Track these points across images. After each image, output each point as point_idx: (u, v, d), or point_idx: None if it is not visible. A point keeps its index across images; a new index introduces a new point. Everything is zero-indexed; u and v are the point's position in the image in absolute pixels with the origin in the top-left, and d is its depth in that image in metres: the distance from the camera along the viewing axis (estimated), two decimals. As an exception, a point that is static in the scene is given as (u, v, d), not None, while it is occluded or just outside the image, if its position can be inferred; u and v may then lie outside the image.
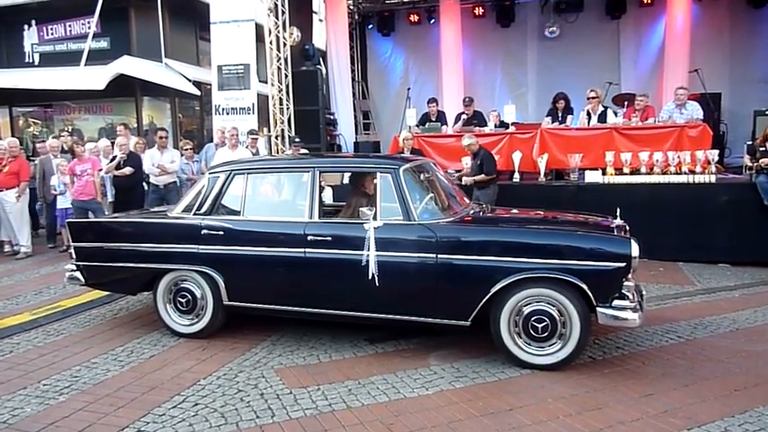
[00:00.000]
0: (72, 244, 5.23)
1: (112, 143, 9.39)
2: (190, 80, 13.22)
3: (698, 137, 7.85)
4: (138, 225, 5.28)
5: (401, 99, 12.55)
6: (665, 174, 7.60)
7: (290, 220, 4.63)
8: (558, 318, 3.97)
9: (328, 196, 6.67)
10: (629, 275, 3.93)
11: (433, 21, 13.08)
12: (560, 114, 9.13)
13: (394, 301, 4.28)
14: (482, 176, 7.43)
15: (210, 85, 10.74)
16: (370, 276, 4.14)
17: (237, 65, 10.06)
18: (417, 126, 9.78)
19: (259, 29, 10.24)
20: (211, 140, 9.66)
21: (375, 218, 4.21)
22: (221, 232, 4.65)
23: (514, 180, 8.38)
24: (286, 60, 10.19)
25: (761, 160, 6.99)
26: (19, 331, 5.14)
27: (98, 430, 3.35)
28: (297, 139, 9.30)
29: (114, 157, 8.70)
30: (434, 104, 10.09)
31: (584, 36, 12.40)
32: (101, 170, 8.51)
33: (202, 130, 15.09)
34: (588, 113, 8.89)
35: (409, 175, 4.46)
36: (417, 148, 8.56)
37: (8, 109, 15.26)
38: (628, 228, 4.55)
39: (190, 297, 4.78)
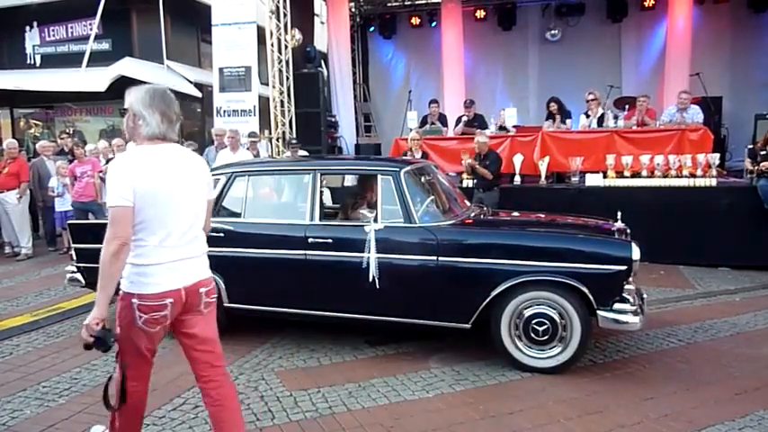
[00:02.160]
0: (73, 245, 5.22)
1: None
2: (191, 82, 13.23)
3: (699, 140, 7.85)
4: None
5: (402, 102, 12.56)
6: (665, 177, 7.60)
7: (290, 222, 4.63)
8: (558, 321, 3.97)
9: (326, 198, 6.67)
10: (630, 279, 3.93)
11: (434, 24, 13.10)
12: (557, 118, 9.14)
13: (394, 303, 4.28)
14: (485, 171, 7.43)
15: (212, 87, 10.75)
16: (370, 279, 4.14)
17: (239, 67, 10.06)
18: (419, 128, 9.77)
19: (260, 31, 10.25)
20: (212, 143, 9.67)
21: (376, 220, 4.21)
22: (222, 234, 4.64)
23: (515, 183, 8.37)
24: (287, 63, 10.20)
25: (762, 164, 6.99)
26: (19, 333, 5.13)
27: (98, 432, 3.35)
28: (294, 141, 9.30)
29: (110, 159, 8.72)
30: (436, 105, 10.08)
31: (585, 39, 12.42)
32: (101, 172, 8.52)
33: (204, 132, 15.09)
34: (587, 115, 8.91)
35: (410, 177, 4.46)
36: (423, 151, 8.51)
37: (9, 110, 15.27)
38: (628, 231, 4.54)
39: (190, 299, 4.77)
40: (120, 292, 2.47)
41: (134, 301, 2.44)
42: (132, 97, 2.53)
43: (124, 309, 2.47)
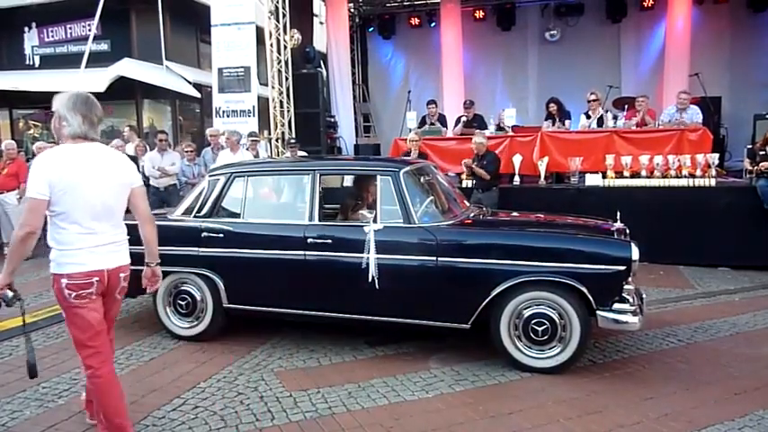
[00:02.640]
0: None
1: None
2: (190, 82, 13.22)
3: (698, 140, 7.85)
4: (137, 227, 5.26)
5: (402, 102, 12.55)
6: (665, 177, 7.60)
7: (290, 222, 4.63)
8: (558, 321, 3.97)
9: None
10: (630, 279, 3.93)
11: (433, 24, 13.10)
12: (556, 118, 9.15)
13: (394, 303, 4.28)
14: (482, 171, 7.44)
15: (211, 87, 10.75)
16: (370, 279, 4.13)
17: (238, 67, 10.06)
18: (418, 129, 9.77)
19: (259, 31, 10.25)
20: (209, 144, 9.67)
21: (375, 221, 4.21)
22: (221, 235, 4.65)
23: (515, 183, 8.38)
24: (287, 63, 10.20)
25: (761, 164, 6.99)
26: (18, 334, 5.10)
27: (97, 433, 3.34)
28: (292, 141, 9.30)
29: None
30: (433, 106, 10.07)
31: (584, 39, 12.42)
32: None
33: (203, 133, 15.08)
34: (588, 116, 8.91)
35: (410, 177, 4.46)
36: (422, 152, 8.52)
37: (8, 111, 15.26)
38: (628, 231, 4.55)
39: (189, 299, 4.78)
40: (51, 276, 2.86)
41: (63, 280, 2.81)
42: (58, 102, 2.88)
43: (57, 290, 2.85)
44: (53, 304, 5.99)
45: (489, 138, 8.91)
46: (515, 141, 8.66)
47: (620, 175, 7.78)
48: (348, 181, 6.55)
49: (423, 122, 9.93)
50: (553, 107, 9.21)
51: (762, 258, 7.00)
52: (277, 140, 10.14)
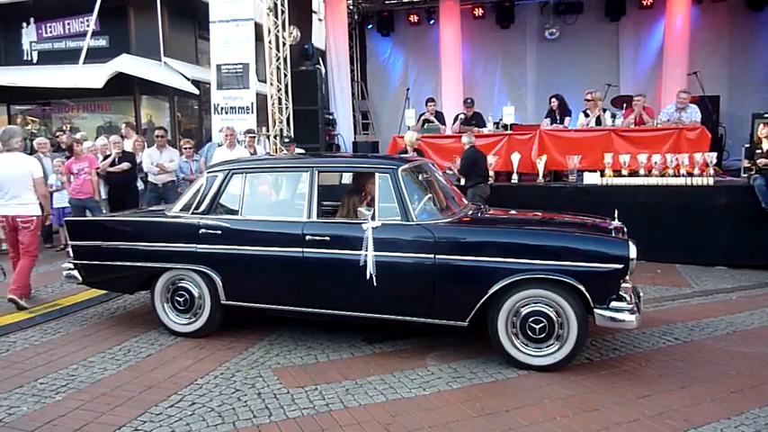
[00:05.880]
0: (70, 242, 5.22)
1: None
2: (189, 79, 13.18)
3: (696, 139, 7.87)
4: (135, 224, 5.27)
5: (400, 99, 12.55)
6: (663, 176, 7.62)
7: (288, 219, 4.63)
8: (555, 319, 3.97)
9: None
10: (627, 277, 3.94)
11: (432, 21, 13.09)
12: (556, 114, 9.16)
13: (392, 301, 4.29)
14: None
15: (209, 84, 10.73)
16: (368, 277, 4.14)
17: (236, 64, 10.05)
18: (416, 126, 9.77)
19: (258, 28, 10.23)
20: (210, 140, 9.65)
21: (373, 218, 4.21)
22: (219, 231, 4.65)
23: (513, 181, 8.38)
24: (285, 60, 10.18)
25: (758, 161, 7.01)
26: (16, 330, 5.12)
27: (95, 429, 3.35)
28: (287, 139, 9.29)
29: (108, 155, 8.70)
30: (432, 104, 10.08)
31: (583, 38, 12.42)
32: (98, 169, 8.49)
33: (201, 130, 15.06)
34: (586, 114, 8.92)
35: (408, 175, 4.46)
36: (417, 149, 8.55)
37: (6, 107, 15.20)
38: (625, 229, 4.56)
39: (187, 296, 4.78)
40: None
41: None
42: None
43: None
44: (51, 300, 6.02)
45: (488, 136, 8.95)
46: (514, 139, 8.67)
47: (618, 173, 7.79)
48: (346, 178, 6.57)
49: (419, 119, 9.94)
50: (555, 102, 9.22)
51: (759, 257, 7.02)
52: (275, 137, 10.13)
